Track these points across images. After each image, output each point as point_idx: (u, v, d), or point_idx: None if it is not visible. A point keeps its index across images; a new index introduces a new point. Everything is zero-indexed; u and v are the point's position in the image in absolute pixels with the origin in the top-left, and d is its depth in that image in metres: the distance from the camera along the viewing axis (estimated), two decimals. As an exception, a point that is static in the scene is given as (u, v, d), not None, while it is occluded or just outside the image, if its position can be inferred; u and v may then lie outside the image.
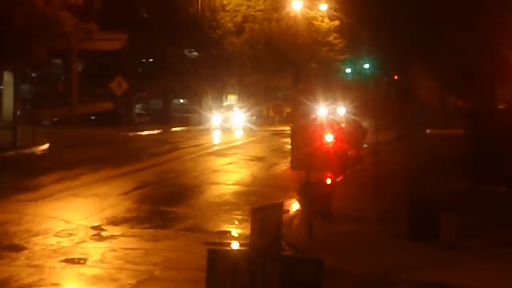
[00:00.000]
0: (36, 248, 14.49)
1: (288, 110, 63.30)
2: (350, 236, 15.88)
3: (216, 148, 39.59)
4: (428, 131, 50.35)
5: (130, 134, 47.67)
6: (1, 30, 31.76)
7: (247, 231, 14.67)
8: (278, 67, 62.59)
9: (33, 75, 60.33)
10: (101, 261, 13.60)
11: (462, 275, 12.58)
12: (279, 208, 14.36)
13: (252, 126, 55.84)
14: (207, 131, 52.64)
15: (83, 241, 15.22)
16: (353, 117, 42.17)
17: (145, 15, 62.29)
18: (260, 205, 15.18)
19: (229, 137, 47.85)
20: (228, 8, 61.27)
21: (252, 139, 46.07)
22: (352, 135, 32.59)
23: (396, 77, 69.65)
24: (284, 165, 28.96)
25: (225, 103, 67.06)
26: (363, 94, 59.55)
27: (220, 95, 67.19)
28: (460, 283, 12.06)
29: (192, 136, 46.71)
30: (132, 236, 15.87)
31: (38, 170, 27.44)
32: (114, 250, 14.42)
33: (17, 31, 31.99)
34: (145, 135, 48.41)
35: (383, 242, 15.20)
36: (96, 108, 57.57)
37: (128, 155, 34.11)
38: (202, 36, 59.22)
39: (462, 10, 37.50)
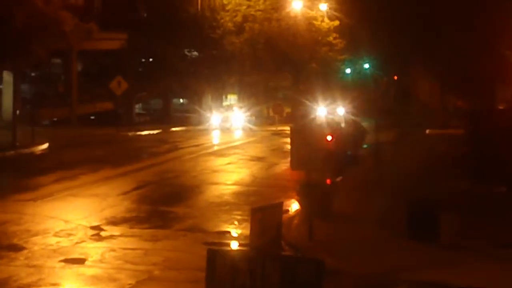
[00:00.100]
0: (35, 248, 14.45)
1: (288, 110, 63.39)
2: (350, 236, 15.85)
3: (215, 148, 39.57)
4: (427, 131, 50.32)
5: (130, 134, 47.66)
6: (1, 30, 31.77)
7: (247, 231, 14.63)
8: (278, 67, 62.60)
9: (33, 74, 60.31)
10: (101, 261, 13.57)
11: (462, 275, 12.56)
12: (279, 208, 14.32)
13: (252, 126, 55.85)
14: (206, 131, 52.63)
15: (82, 241, 15.18)
16: (353, 117, 42.25)
17: (145, 15, 62.33)
18: (260, 205, 15.15)
19: (228, 137, 47.84)
20: (228, 8, 61.32)
21: (252, 139, 46.05)
22: (352, 135, 32.69)
23: (395, 77, 69.74)
24: (284, 165, 28.94)
25: (225, 103, 67.13)
26: (362, 94, 59.76)
27: (220, 95, 67.27)
28: (460, 283, 12.03)
29: (192, 136, 46.70)
30: (132, 236, 15.84)
31: (38, 170, 27.41)
32: (113, 250, 14.39)
33: (17, 31, 31.99)
34: (145, 135, 48.39)
35: (383, 242, 15.18)
36: (96, 108, 57.57)
37: (128, 155, 34.09)
38: (202, 36, 59.27)
39: (462, 10, 37.49)
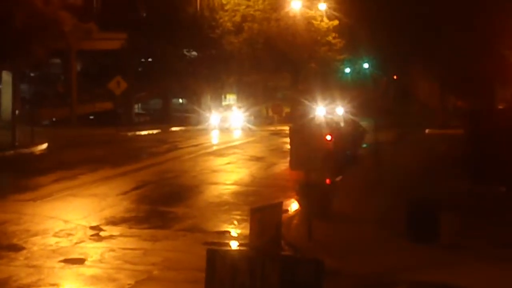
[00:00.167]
0: (35, 248, 14.44)
1: (287, 110, 63.39)
2: (350, 236, 15.83)
3: (215, 148, 39.55)
4: (427, 131, 50.33)
5: (129, 134, 47.65)
6: (1, 30, 31.75)
7: (246, 231, 14.61)
8: (277, 66, 62.55)
9: (32, 75, 60.31)
10: (100, 261, 13.56)
11: (462, 275, 12.54)
12: (278, 208, 14.30)
13: (251, 126, 55.82)
14: (206, 131, 52.61)
15: (81, 241, 15.17)
16: (352, 117, 42.22)
17: (144, 15, 62.30)
18: (259, 205, 15.12)
19: (228, 137, 47.82)
20: (227, 7, 61.30)
21: (251, 139, 46.03)
22: (351, 135, 32.68)
23: (395, 77, 69.67)
24: (283, 165, 28.91)
25: (224, 103, 67.08)
26: (362, 94, 59.70)
27: (219, 94, 67.25)
28: (460, 283, 12.02)
29: (191, 136, 46.69)
30: (131, 236, 15.83)
31: (37, 170, 27.39)
32: (112, 250, 14.37)
33: (17, 31, 32.00)
34: (144, 135, 48.38)
35: (383, 242, 15.16)
36: (95, 108, 57.57)
37: (127, 155, 34.07)
38: (201, 36, 59.25)
39: (462, 10, 37.43)
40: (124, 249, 14.50)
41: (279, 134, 47.31)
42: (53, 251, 14.26)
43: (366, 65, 69.12)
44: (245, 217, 16.92)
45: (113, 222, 17.33)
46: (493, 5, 35.74)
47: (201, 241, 15.37)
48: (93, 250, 14.40)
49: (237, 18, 61.09)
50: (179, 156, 33.91)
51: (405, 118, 57.27)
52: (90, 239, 15.44)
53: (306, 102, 53.56)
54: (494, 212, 18.33)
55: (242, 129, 54.82)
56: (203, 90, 63.36)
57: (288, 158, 17.70)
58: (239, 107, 61.07)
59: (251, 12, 61.43)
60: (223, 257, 8.76)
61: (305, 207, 16.16)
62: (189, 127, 55.62)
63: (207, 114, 58.43)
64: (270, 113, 65.09)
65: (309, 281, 8.33)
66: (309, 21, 62.64)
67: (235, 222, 17.84)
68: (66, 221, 17.09)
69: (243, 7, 61.40)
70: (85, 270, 12.94)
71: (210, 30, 60.21)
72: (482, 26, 36.60)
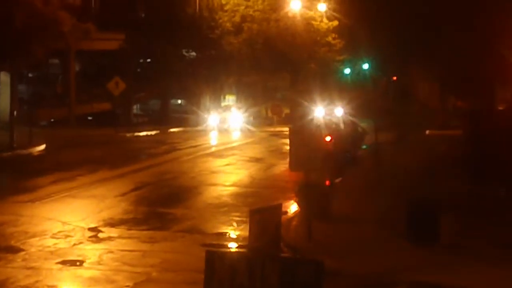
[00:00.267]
0: (33, 249, 14.39)
1: (286, 110, 63.31)
2: (350, 236, 15.80)
3: (214, 149, 39.50)
4: (427, 131, 50.27)
5: (128, 134, 47.56)
6: (1, 30, 31.72)
7: (246, 233, 14.54)
8: (276, 67, 62.48)
9: (30, 75, 60.20)
10: (98, 263, 13.51)
11: (462, 275, 12.53)
12: (278, 209, 14.25)
13: (250, 127, 55.73)
14: (204, 132, 52.53)
15: (80, 243, 15.12)
16: (351, 118, 42.16)
17: (143, 15, 62.24)
18: (259, 207, 15.09)
19: (227, 138, 47.77)
20: (226, 8, 61.24)
21: (250, 140, 45.97)
22: (351, 136, 32.63)
23: (395, 77, 69.66)
24: (282, 166, 28.85)
25: (223, 104, 66.97)
26: (361, 94, 59.66)
27: (218, 95, 67.15)
28: (460, 284, 12.00)
29: (190, 137, 46.61)
30: (129, 237, 15.78)
31: (35, 171, 27.34)
32: (111, 251, 14.32)
33: (17, 31, 31.96)
34: (143, 136, 48.31)
35: (383, 243, 15.14)
36: (93, 109, 57.45)
37: (126, 156, 34.02)
38: (200, 36, 59.18)
39: (462, 10, 37.38)
40: (122, 250, 14.45)
41: (278, 135, 47.23)
42: (51, 252, 14.21)
43: (365, 66, 69.06)
44: (244, 219, 16.86)
45: (111, 223, 17.28)
46: (493, 5, 35.68)
47: (200, 242, 15.34)
48: (91, 251, 14.35)
49: (237, 19, 61.03)
50: (178, 157, 33.86)
51: (405, 118, 57.16)
52: (89, 240, 15.40)
53: (306, 103, 53.49)
54: (494, 212, 18.31)
55: (241, 130, 54.75)
56: (202, 90, 63.29)
57: (288, 159, 17.63)
58: (238, 108, 60.97)
59: (251, 13, 61.37)
60: (222, 258, 8.71)
61: (305, 208, 16.11)
62: (188, 128, 55.53)
63: (206, 115, 58.33)
64: (270, 114, 64.99)
65: (309, 282, 8.28)
66: (308, 22, 62.58)
67: (234, 224, 17.79)
68: (64, 223, 17.04)
69: (243, 7, 61.34)
70: (83, 272, 12.89)
71: (210, 30, 60.15)
72: (482, 26, 36.53)
